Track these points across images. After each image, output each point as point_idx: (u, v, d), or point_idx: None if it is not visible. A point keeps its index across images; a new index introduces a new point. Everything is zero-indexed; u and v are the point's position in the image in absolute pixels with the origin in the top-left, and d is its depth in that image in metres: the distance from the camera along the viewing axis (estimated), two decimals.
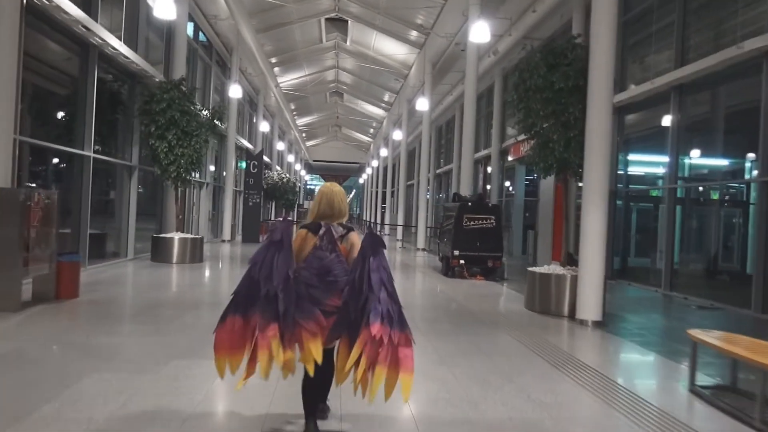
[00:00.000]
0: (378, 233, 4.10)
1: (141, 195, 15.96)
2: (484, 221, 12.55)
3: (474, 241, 12.50)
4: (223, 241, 21.62)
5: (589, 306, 7.66)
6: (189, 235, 13.67)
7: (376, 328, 3.12)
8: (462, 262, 12.51)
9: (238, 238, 23.10)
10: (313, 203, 3.65)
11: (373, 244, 3.31)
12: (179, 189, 13.92)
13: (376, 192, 47.75)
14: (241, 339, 3.26)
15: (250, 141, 28.19)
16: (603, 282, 7.75)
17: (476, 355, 5.82)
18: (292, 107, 39.19)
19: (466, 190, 15.25)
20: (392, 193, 38.98)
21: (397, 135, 28.78)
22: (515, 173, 21.71)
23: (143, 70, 12.84)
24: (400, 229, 29.84)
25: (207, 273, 12.02)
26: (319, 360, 3.23)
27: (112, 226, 13.61)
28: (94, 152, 11.18)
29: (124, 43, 11.85)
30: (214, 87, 21.25)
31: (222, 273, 12.43)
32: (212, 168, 21.96)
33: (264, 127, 27.71)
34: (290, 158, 45.41)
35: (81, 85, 10.93)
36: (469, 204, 12.78)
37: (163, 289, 9.49)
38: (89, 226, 11.26)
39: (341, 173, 61.59)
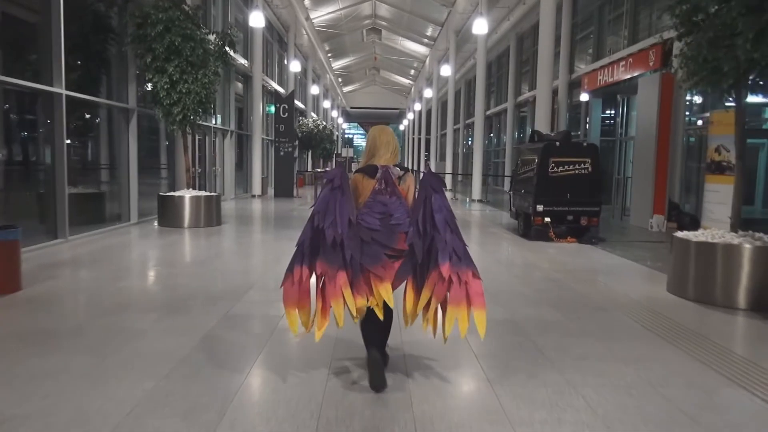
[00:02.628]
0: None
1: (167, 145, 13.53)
2: (578, 166, 9.57)
3: (563, 193, 9.58)
4: (253, 196, 19.19)
5: None
6: (203, 193, 11.14)
7: (445, 268, 3.09)
8: (547, 220, 9.63)
9: (271, 192, 20.60)
10: (365, 147, 3.53)
11: (433, 183, 3.22)
12: (189, 136, 11.35)
13: (419, 139, 44.52)
14: (307, 290, 3.19)
15: (281, 85, 25.37)
16: None
17: (685, 427, 3.04)
18: (327, 48, 35.96)
19: (543, 128, 12.21)
20: (438, 137, 35.74)
21: (445, 71, 25.46)
22: (589, 109, 18.37)
23: None
24: (448, 178, 26.86)
25: (223, 241, 9.48)
26: (391, 303, 3.18)
27: (113, 183, 11.21)
28: (71, 89, 8.62)
29: None
30: (234, 19, 18.37)
31: (243, 240, 9.91)
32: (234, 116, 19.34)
33: (295, 66, 24.71)
34: (326, 104, 42.40)
35: (43, 3, 8.27)
36: (557, 144, 9.78)
37: (150, 272, 6.99)
38: (71, 185, 8.83)
39: (380, 120, 58.32)
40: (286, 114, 19.43)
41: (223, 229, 10.66)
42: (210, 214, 10.95)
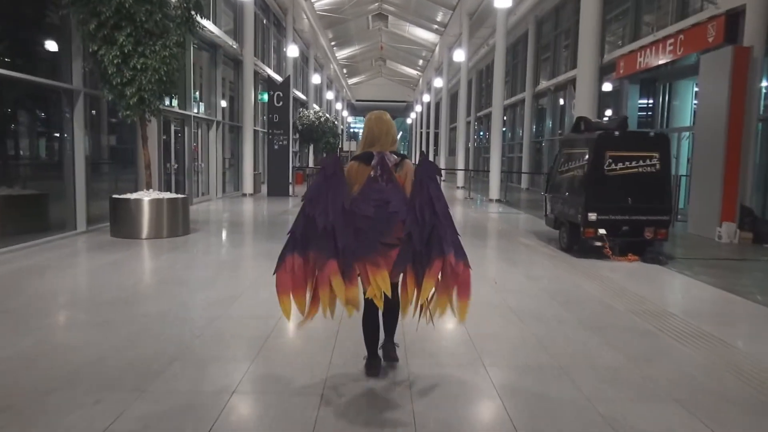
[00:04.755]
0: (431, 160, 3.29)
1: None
2: (642, 162, 7.37)
3: (622, 196, 7.39)
4: (244, 195, 17.08)
5: None
6: (167, 195, 9.02)
7: (452, 258, 3.02)
8: (602, 232, 7.45)
9: (265, 189, 18.42)
10: (362, 133, 3.41)
11: (429, 171, 3.14)
12: (151, 123, 9.25)
13: (427, 133, 42.27)
14: (302, 278, 3.07)
15: (278, 73, 23.20)
16: None
17: None
18: (330, 35, 33.75)
19: (586, 114, 10.00)
20: (447, 131, 33.48)
21: (458, 56, 23.20)
22: (621, 96, 16.13)
23: None
24: (460, 175, 24.64)
25: (179, 262, 7.27)
26: (389, 293, 3.04)
27: (56, 182, 9.11)
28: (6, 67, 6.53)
29: None
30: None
31: (207, 259, 7.75)
32: (223, 103, 17.20)
33: (293, 51, 22.50)
34: (329, 96, 40.15)
35: None
36: (615, 134, 7.58)
37: (46, 320, 4.84)
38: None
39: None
40: (281, 103, 17.24)
41: (189, 241, 8.52)
42: (175, 220, 8.83)
